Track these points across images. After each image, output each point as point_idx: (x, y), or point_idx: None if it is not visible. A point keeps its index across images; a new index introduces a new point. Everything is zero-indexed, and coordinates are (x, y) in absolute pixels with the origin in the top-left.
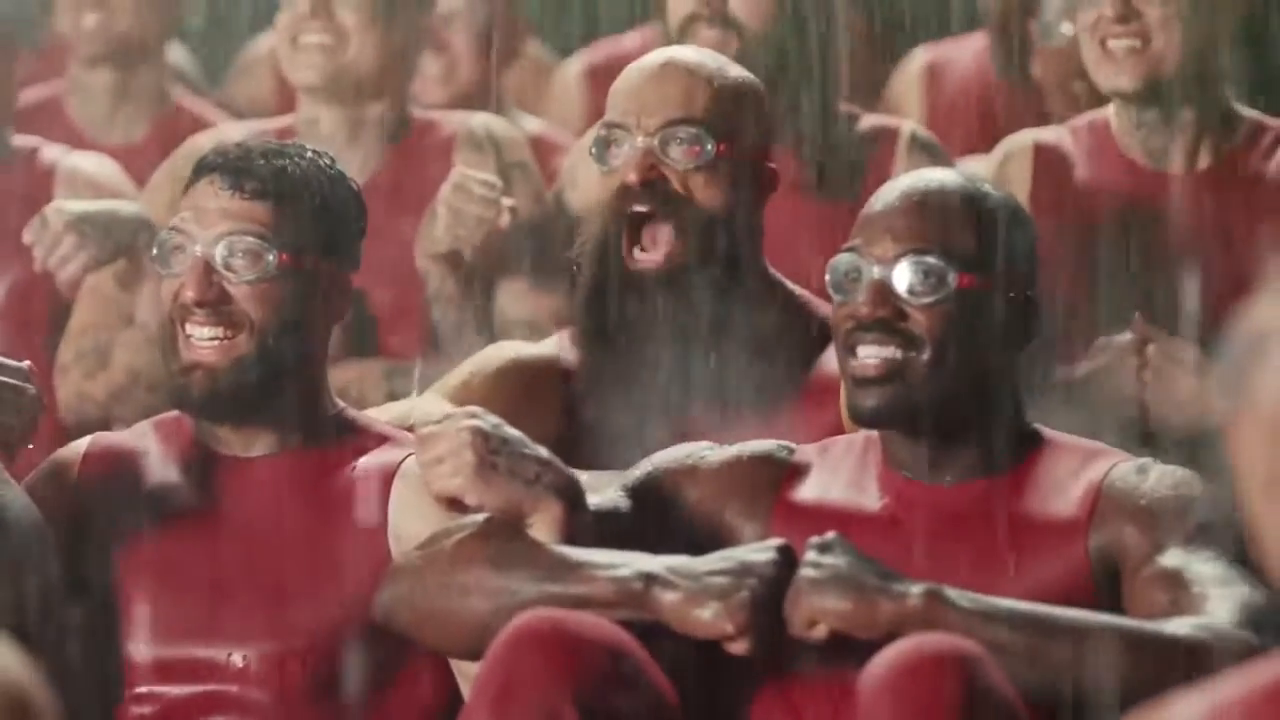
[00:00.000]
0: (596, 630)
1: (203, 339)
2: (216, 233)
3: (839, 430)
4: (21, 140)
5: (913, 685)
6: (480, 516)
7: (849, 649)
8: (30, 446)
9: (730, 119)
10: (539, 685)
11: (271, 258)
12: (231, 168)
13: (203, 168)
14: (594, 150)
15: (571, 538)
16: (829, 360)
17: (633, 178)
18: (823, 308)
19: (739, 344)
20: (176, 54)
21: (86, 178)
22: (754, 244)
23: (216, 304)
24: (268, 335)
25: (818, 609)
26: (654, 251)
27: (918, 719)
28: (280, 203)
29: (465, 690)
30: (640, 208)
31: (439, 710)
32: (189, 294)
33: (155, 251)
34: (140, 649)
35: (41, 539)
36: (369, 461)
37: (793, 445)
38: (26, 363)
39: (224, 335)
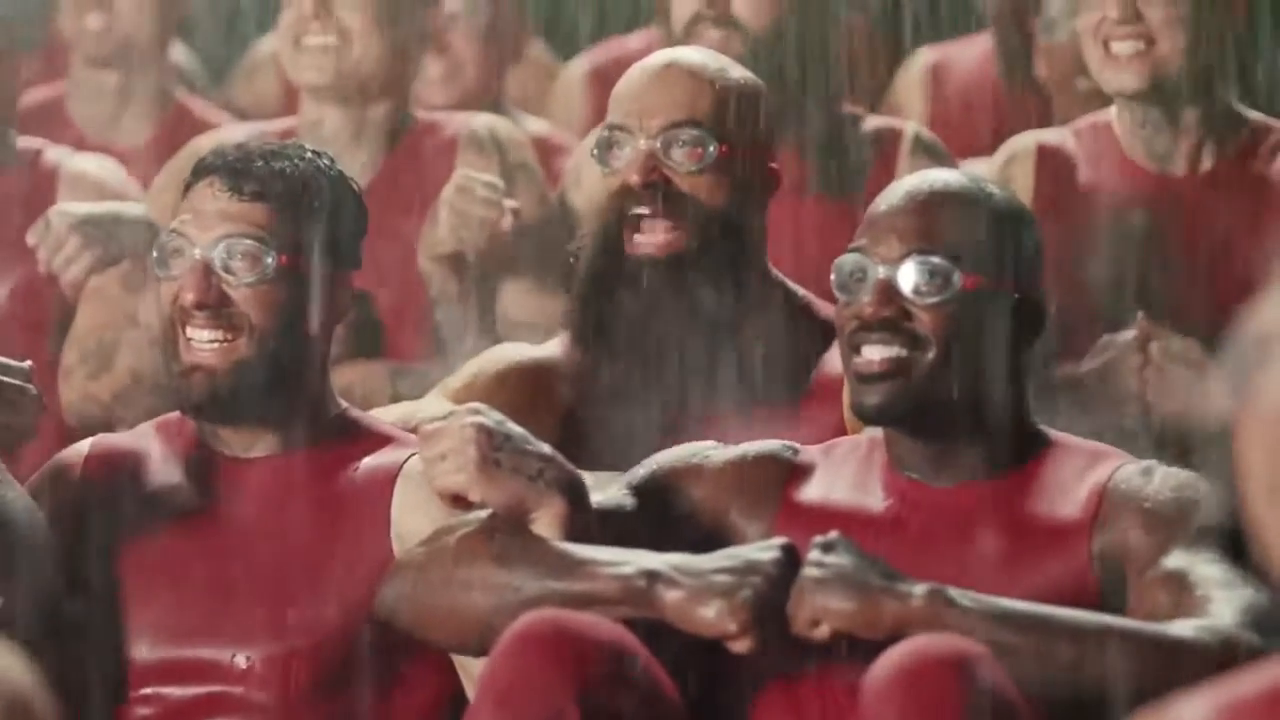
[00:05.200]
0: (599, 631)
1: (203, 342)
2: (215, 235)
3: (840, 432)
4: (25, 142)
5: (917, 687)
6: (483, 513)
7: (852, 649)
8: (32, 445)
9: (732, 121)
10: (542, 687)
11: (270, 260)
12: (230, 170)
13: (201, 170)
14: (596, 151)
15: (574, 535)
16: (830, 362)
17: (635, 179)
18: (825, 309)
19: (740, 342)
20: (180, 55)
21: (90, 179)
22: (756, 244)
23: (216, 307)
24: (268, 337)
25: (821, 609)
26: (653, 236)
27: None
28: (279, 204)
29: (469, 689)
30: (642, 209)
31: (442, 710)
32: (188, 297)
33: (155, 254)
34: (143, 650)
35: (43, 540)
36: (372, 462)
37: (797, 445)
38: (28, 363)
39: (224, 338)
